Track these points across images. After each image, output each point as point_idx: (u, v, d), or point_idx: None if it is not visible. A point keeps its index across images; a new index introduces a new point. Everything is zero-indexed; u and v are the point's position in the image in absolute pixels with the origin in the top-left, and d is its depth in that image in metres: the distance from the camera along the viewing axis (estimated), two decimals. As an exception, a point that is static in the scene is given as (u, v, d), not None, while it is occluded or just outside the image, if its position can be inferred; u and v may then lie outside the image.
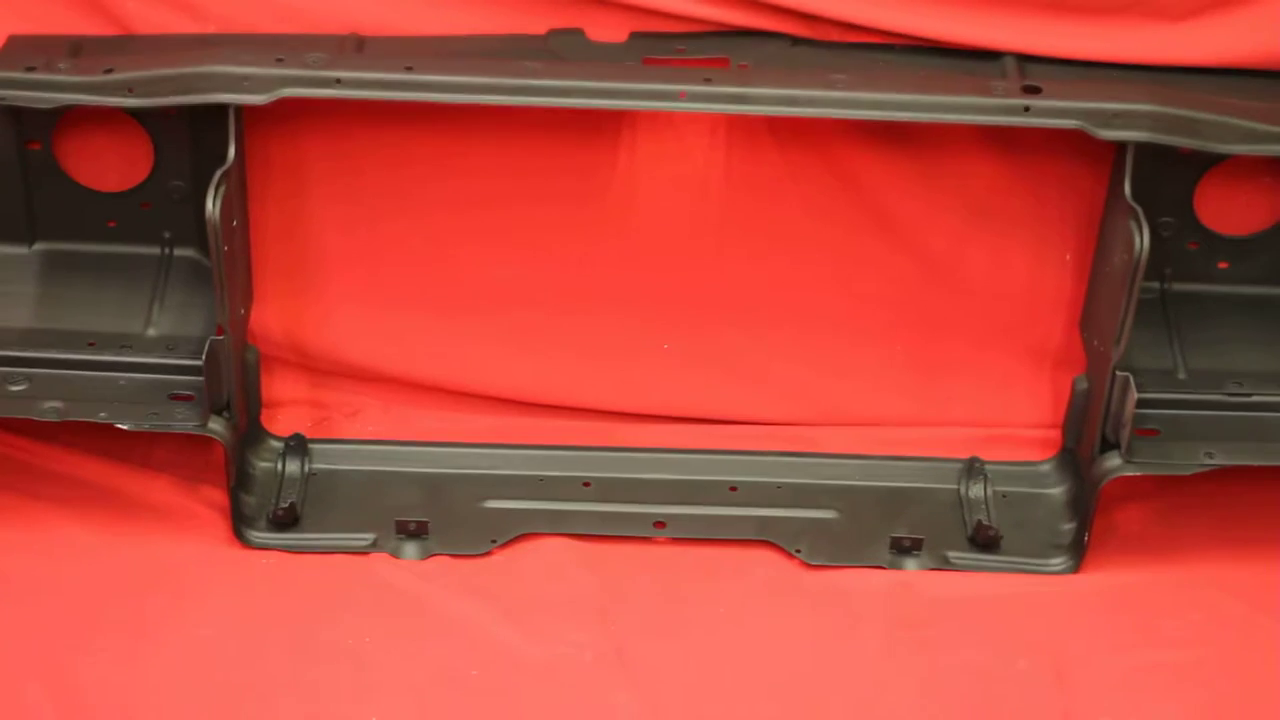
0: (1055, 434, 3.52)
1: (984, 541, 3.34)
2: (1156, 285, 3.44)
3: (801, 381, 3.61)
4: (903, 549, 3.32)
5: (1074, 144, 3.30)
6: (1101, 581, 3.29)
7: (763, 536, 3.36)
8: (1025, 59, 3.29)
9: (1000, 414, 3.60)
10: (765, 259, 3.53)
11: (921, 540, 3.32)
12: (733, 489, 3.44)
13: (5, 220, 3.39)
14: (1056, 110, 3.13)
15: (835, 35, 3.34)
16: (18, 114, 3.27)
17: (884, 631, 3.15)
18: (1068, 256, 3.50)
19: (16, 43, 3.29)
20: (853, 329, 3.58)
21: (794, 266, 3.53)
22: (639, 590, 3.23)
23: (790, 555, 3.32)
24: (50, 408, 3.20)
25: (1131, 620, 3.19)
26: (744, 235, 3.50)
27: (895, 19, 3.30)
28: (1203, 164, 3.33)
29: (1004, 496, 3.45)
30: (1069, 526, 3.37)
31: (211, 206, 3.10)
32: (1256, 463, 3.26)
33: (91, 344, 3.33)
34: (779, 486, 3.45)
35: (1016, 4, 3.27)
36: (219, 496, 3.36)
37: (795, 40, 3.34)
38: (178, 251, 3.43)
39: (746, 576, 3.28)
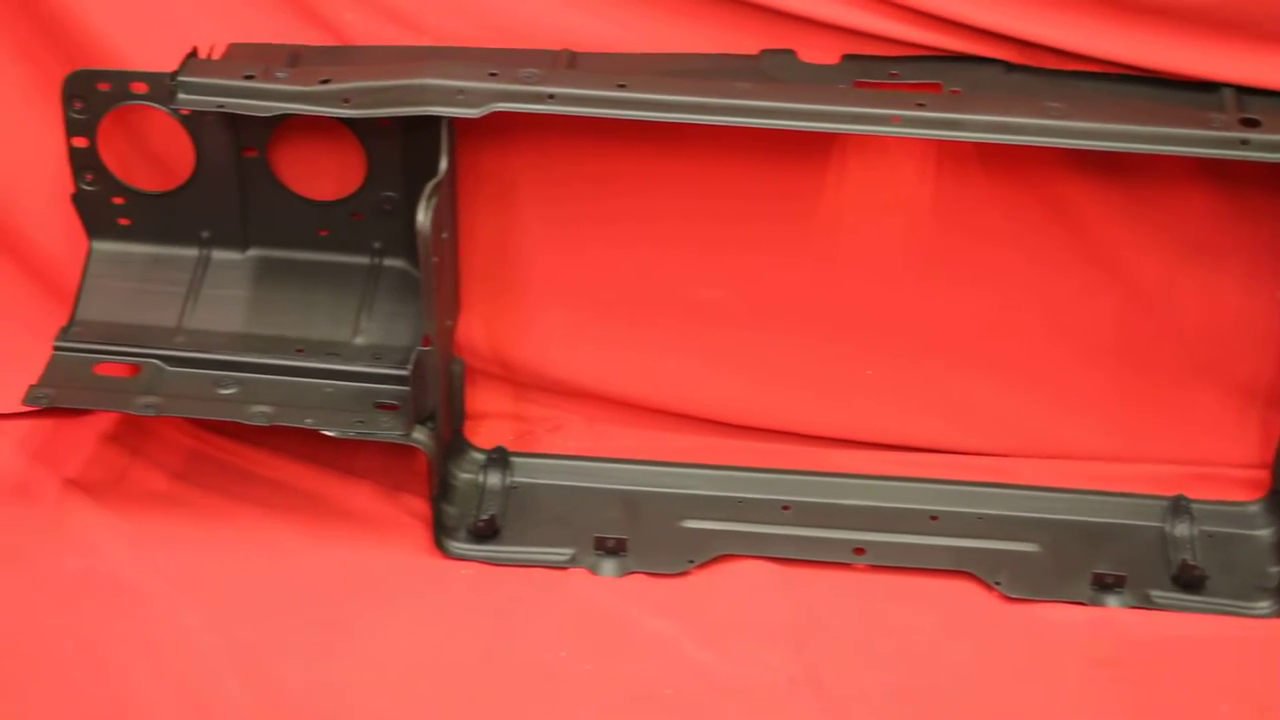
0: (1264, 475, 3.46)
1: (1188, 581, 3.28)
2: (1371, 325, 3.38)
3: (1005, 412, 3.57)
4: (1104, 586, 3.27)
5: (1292, 179, 3.26)
6: (1308, 627, 3.23)
7: (962, 567, 3.32)
8: (1244, 91, 3.23)
9: (1208, 452, 3.54)
10: (971, 287, 3.50)
11: (1124, 577, 3.27)
12: (933, 518, 3.41)
13: (220, 226, 3.45)
14: (1276, 144, 3.07)
15: (1051, 63, 3.30)
16: (235, 122, 3.32)
17: (1083, 669, 3.11)
18: (1279, 294, 3.43)
19: (236, 51, 3.34)
20: (1059, 360, 3.53)
21: (1000, 296, 3.50)
22: (836, 616, 3.20)
23: (990, 587, 3.29)
24: (259, 412, 3.24)
25: (1337, 667, 3.13)
26: (951, 263, 3.48)
27: (1112, 48, 3.26)
28: None
29: (1210, 536, 3.39)
30: (1276, 569, 3.31)
31: (422, 218, 3.12)
32: None
33: (300, 351, 3.37)
34: (980, 517, 3.42)
35: (1236, 35, 3.21)
36: (420, 506, 3.39)
37: (1010, 67, 3.31)
38: (387, 261, 3.47)
39: (945, 607, 3.25)
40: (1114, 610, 3.25)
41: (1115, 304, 3.49)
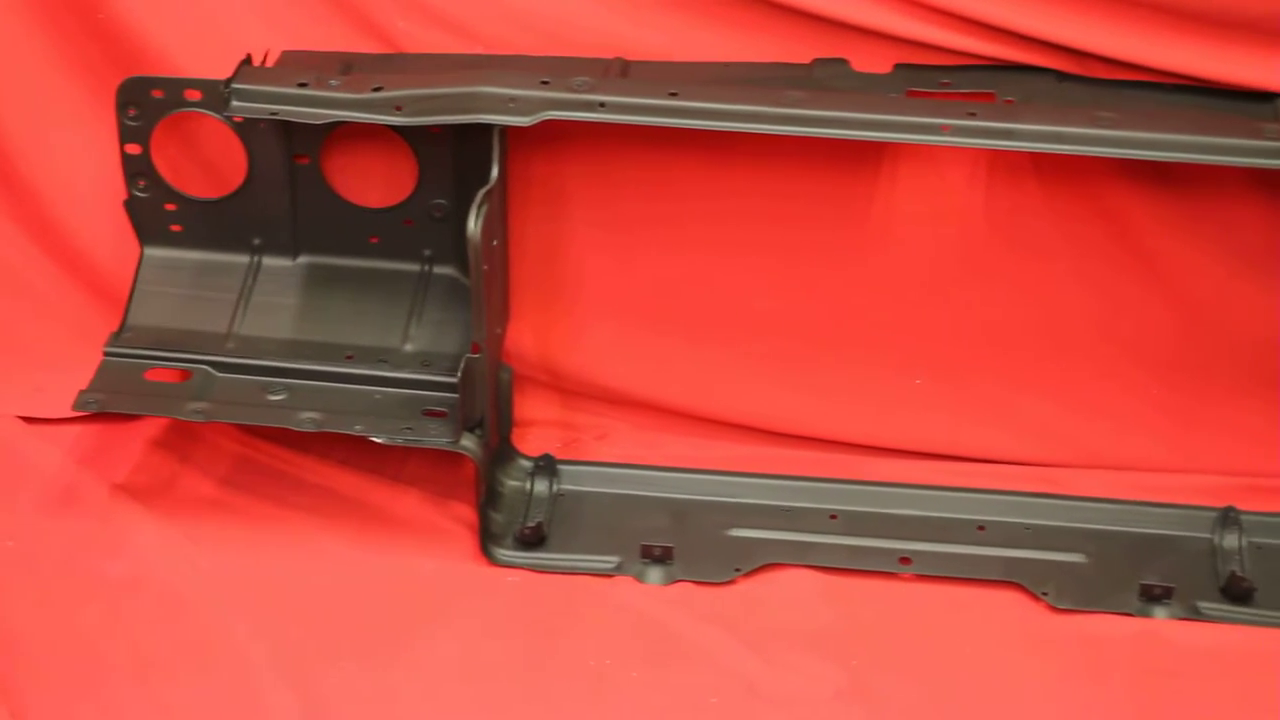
0: (1314, 487, 3.45)
1: (1237, 593, 3.26)
2: None
3: (1053, 422, 3.57)
4: (1153, 597, 3.25)
5: (1345, 190, 3.24)
6: (1357, 640, 3.21)
7: (1010, 577, 3.31)
8: (1299, 101, 3.23)
9: (1258, 464, 3.52)
10: (1022, 297, 3.49)
11: (1172, 589, 3.25)
12: (980, 528, 3.41)
13: (272, 232, 3.46)
14: (1330, 156, 3.06)
15: (1103, 72, 3.29)
16: (288, 128, 3.33)
17: (1131, 680, 3.10)
18: (1332, 305, 3.43)
19: (290, 58, 3.35)
20: (1109, 370, 3.52)
21: (1051, 305, 3.49)
22: (882, 625, 3.20)
23: (1037, 598, 3.27)
24: (308, 418, 3.25)
25: (1385, 680, 3.11)
26: (1001, 272, 3.47)
27: (1166, 57, 3.24)
28: None
29: (1259, 548, 3.37)
30: (1325, 582, 3.30)
31: (473, 225, 3.12)
32: None
33: (349, 357, 3.38)
34: (1027, 527, 3.41)
35: (1291, 45, 3.21)
36: (468, 513, 3.40)
37: (1062, 76, 3.29)
38: (437, 269, 3.48)
39: (992, 617, 3.24)
40: (1161, 622, 3.23)
41: (1166, 315, 3.48)
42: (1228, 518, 3.38)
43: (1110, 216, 3.39)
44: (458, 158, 3.37)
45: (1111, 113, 3.12)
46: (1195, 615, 3.25)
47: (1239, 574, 3.27)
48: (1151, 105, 3.24)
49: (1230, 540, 3.36)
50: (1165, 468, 3.55)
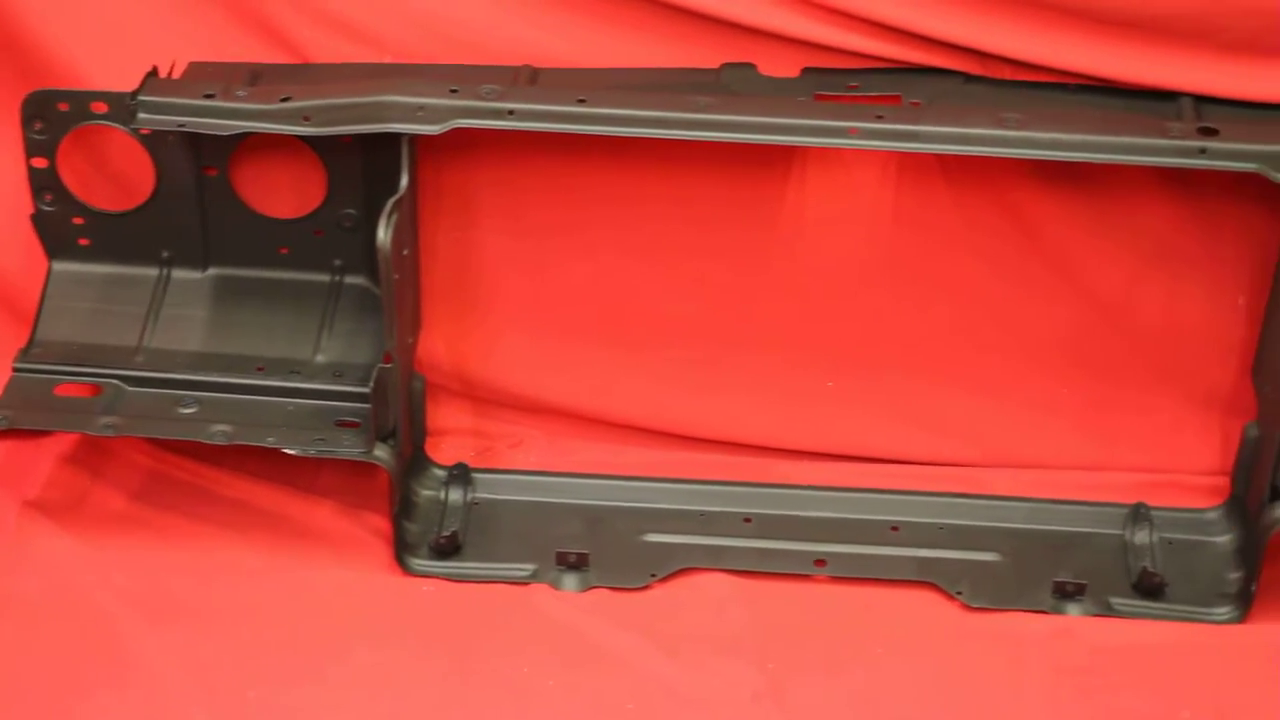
0: (1224, 481, 3.47)
1: (1149, 589, 3.29)
2: (1332, 332, 3.39)
3: (966, 422, 3.58)
4: (1066, 594, 3.28)
5: (1250, 187, 3.26)
6: (1268, 633, 3.22)
7: (924, 577, 3.33)
8: (1202, 100, 3.24)
9: (1168, 460, 3.55)
10: (932, 297, 3.51)
11: (1085, 585, 3.28)
12: (894, 529, 3.42)
13: (181, 245, 3.44)
14: (1233, 153, 3.08)
15: (1009, 73, 3.30)
16: (196, 140, 3.31)
17: (1046, 677, 3.11)
18: (1241, 301, 3.45)
19: (197, 70, 3.33)
20: (1020, 370, 3.54)
21: (961, 306, 3.51)
22: (798, 628, 3.21)
23: (951, 597, 3.29)
24: (219, 431, 3.24)
25: (1298, 672, 3.14)
26: (912, 273, 3.49)
27: (1070, 58, 3.26)
28: (1382, 209, 3.28)
29: (1170, 543, 3.40)
30: (1236, 576, 3.32)
31: (383, 235, 3.12)
32: None
33: (261, 369, 3.36)
34: (941, 527, 3.43)
35: (1194, 45, 3.22)
36: (382, 523, 3.39)
37: (968, 78, 3.31)
38: (348, 279, 3.47)
39: (907, 617, 3.26)
40: (1075, 618, 3.26)
41: (1076, 313, 3.50)
42: (1139, 514, 3.41)
43: (1018, 216, 3.41)
44: (367, 167, 3.36)
45: (1018, 114, 3.14)
46: (1108, 611, 3.27)
47: (1150, 569, 3.30)
48: (1057, 106, 3.26)
49: (1141, 536, 3.39)
50: (1077, 465, 3.57)
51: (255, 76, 3.30)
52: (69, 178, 3.39)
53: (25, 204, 3.41)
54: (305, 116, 3.16)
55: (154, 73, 3.26)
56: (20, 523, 3.34)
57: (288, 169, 3.42)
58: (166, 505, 3.41)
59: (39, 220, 3.42)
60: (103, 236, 3.44)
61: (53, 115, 3.33)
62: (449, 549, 3.33)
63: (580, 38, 3.36)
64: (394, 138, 3.17)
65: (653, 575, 3.31)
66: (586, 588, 3.29)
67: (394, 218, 3.14)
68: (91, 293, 3.44)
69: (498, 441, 3.64)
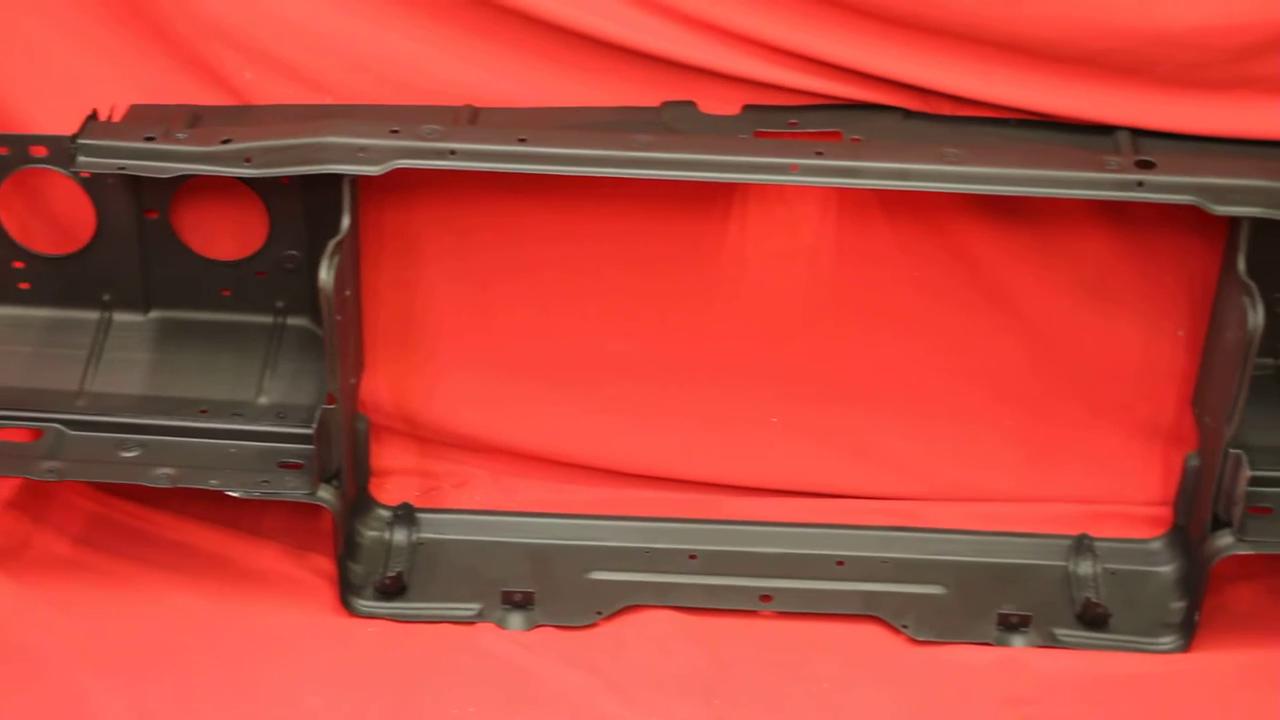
0: (1166, 511, 3.49)
1: (1093, 619, 3.30)
2: (1270, 361, 3.41)
3: (909, 456, 3.60)
4: (1010, 626, 3.29)
5: (1187, 219, 3.29)
6: (1211, 661, 3.24)
7: (869, 611, 3.34)
8: (1139, 133, 3.27)
9: (1110, 490, 3.57)
10: (874, 332, 3.52)
11: (1029, 617, 3.29)
12: (839, 563, 3.43)
13: (122, 288, 3.43)
14: (1170, 185, 3.10)
15: (948, 109, 3.33)
16: (137, 183, 3.31)
17: (991, 709, 3.12)
18: (1180, 332, 3.47)
19: (137, 112, 3.33)
20: (962, 403, 3.56)
21: (903, 340, 3.52)
22: (744, 664, 3.21)
23: (897, 631, 3.30)
24: (162, 474, 3.22)
25: (1242, 701, 3.14)
26: (853, 308, 3.50)
27: (1009, 94, 3.29)
28: (1318, 240, 3.31)
29: (1113, 574, 3.42)
30: (1179, 605, 3.34)
31: (325, 276, 3.12)
32: (1371, 542, 3.22)
33: (204, 411, 3.35)
34: (885, 561, 3.43)
35: (1130, 79, 3.25)
36: (327, 565, 3.38)
37: (908, 114, 3.33)
38: (290, 320, 3.46)
39: (852, 652, 3.26)
40: (1020, 650, 3.27)
41: (1018, 346, 3.52)
42: (1081, 545, 3.42)
43: (958, 251, 3.43)
44: (308, 208, 3.36)
45: (957, 149, 3.16)
46: (1053, 642, 3.29)
47: (1094, 600, 3.31)
48: (996, 140, 3.29)
49: (1084, 567, 3.41)
50: (1020, 498, 3.59)
51: (196, 119, 3.30)
52: (9, 221, 3.38)
53: (-36, 248, 3.41)
54: (246, 158, 3.16)
55: (94, 116, 3.26)
56: (-37, 568, 3.33)
57: (229, 211, 3.41)
58: (110, 549, 3.40)
59: (-23, 265, 3.41)
60: (43, 280, 3.43)
61: (-8, 159, 3.33)
62: (394, 590, 3.32)
63: (521, 77, 3.37)
64: (335, 179, 3.17)
65: (599, 613, 3.31)
66: (532, 626, 3.29)
67: (336, 258, 3.14)
68: (32, 336, 3.42)
69: (442, 481, 3.63)
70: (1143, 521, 3.52)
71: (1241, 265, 3.14)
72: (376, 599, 3.32)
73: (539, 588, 3.33)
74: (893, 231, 3.43)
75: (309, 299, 3.40)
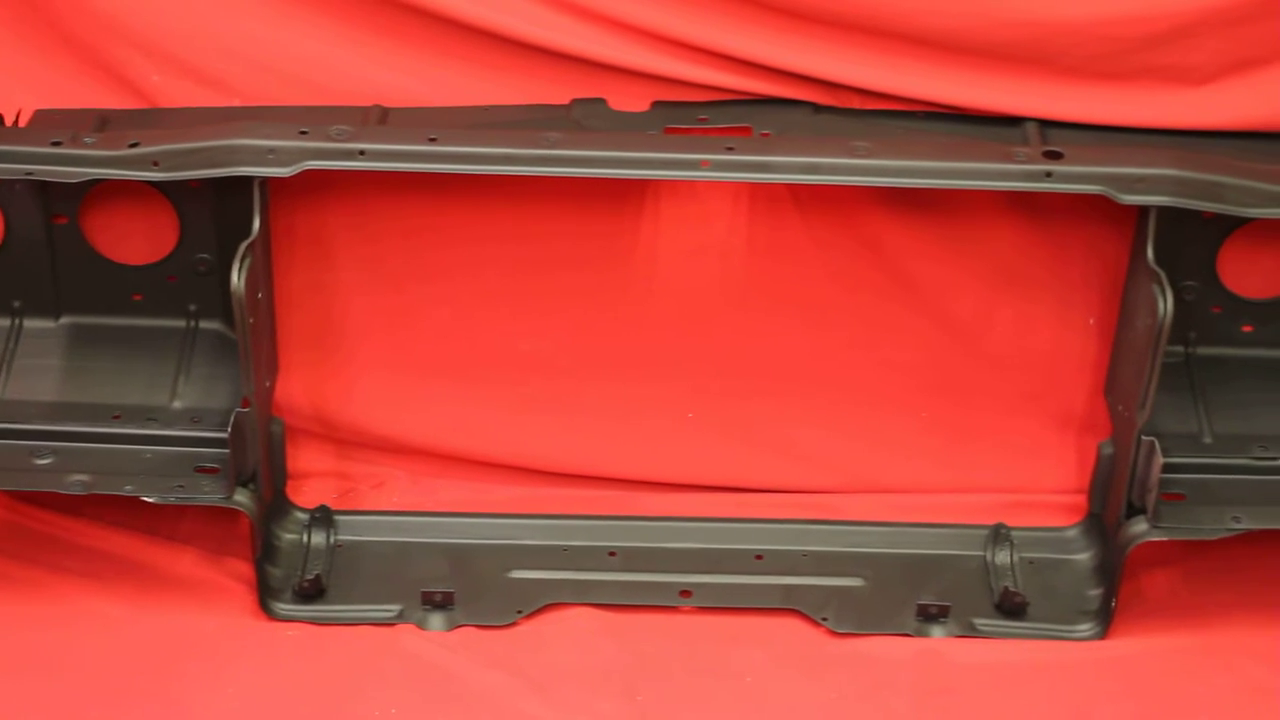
0: (1081, 499, 3.51)
1: (1011, 608, 3.32)
2: (1181, 349, 3.44)
3: (826, 449, 3.61)
4: (929, 616, 3.31)
5: (1097, 208, 3.31)
6: (1128, 647, 3.27)
7: (789, 605, 3.35)
8: (1046, 124, 3.29)
9: (1026, 480, 3.60)
10: (789, 326, 3.53)
11: (948, 607, 3.31)
12: (758, 557, 3.43)
13: (32, 294, 3.40)
14: (1079, 175, 3.12)
15: (857, 103, 3.34)
16: (44, 189, 3.28)
17: (911, 699, 3.14)
18: (1091, 321, 3.49)
19: (42, 117, 3.31)
20: (877, 395, 3.57)
21: (818, 333, 3.53)
22: (665, 660, 3.21)
23: (816, 623, 3.32)
24: (76, 481, 3.20)
25: (1159, 686, 3.17)
26: (767, 302, 3.51)
27: (917, 86, 3.31)
28: (1225, 228, 3.33)
29: (1030, 563, 3.44)
30: (1096, 592, 3.36)
31: (236, 279, 3.10)
32: (1284, 526, 3.25)
33: (117, 417, 3.33)
34: (804, 554, 3.44)
35: (1037, 70, 3.27)
36: (244, 569, 3.36)
37: (818, 108, 3.34)
38: (203, 324, 3.44)
39: (773, 645, 3.27)
40: (939, 640, 3.29)
41: (931, 337, 3.53)
42: (999, 534, 3.44)
43: (871, 243, 3.44)
44: (219, 211, 3.34)
45: (867, 142, 3.17)
46: (972, 632, 3.30)
47: (1012, 589, 3.33)
48: (906, 133, 3.30)
49: (1002, 556, 3.43)
50: (937, 488, 3.61)
51: (103, 123, 3.28)
52: (-85, 230, 3.36)
53: None
54: (154, 162, 3.14)
55: (-1, 121, 3.24)
56: (-127, 582, 3.30)
57: (139, 215, 3.39)
58: (25, 557, 3.37)
59: (-115, 276, 3.38)
60: (-49, 289, 3.40)
61: (-103, 168, 3.29)
62: (313, 592, 3.31)
63: (430, 76, 3.36)
64: (245, 181, 3.16)
65: (519, 612, 3.31)
66: (453, 627, 3.29)
67: (247, 261, 3.13)
68: (-59, 346, 3.40)
69: (360, 483, 3.62)
70: (1059, 510, 3.54)
71: (1151, 254, 3.16)
72: (295, 602, 3.31)
73: (459, 588, 3.33)
74: (805, 225, 3.44)
75: (221, 302, 3.38)
